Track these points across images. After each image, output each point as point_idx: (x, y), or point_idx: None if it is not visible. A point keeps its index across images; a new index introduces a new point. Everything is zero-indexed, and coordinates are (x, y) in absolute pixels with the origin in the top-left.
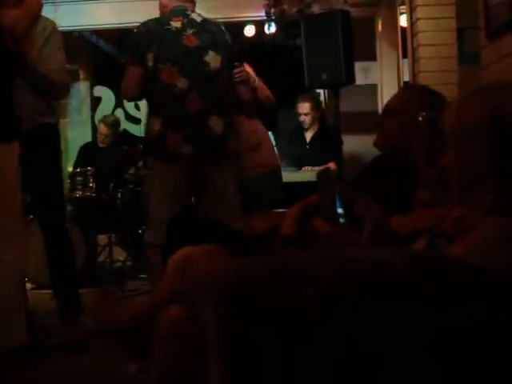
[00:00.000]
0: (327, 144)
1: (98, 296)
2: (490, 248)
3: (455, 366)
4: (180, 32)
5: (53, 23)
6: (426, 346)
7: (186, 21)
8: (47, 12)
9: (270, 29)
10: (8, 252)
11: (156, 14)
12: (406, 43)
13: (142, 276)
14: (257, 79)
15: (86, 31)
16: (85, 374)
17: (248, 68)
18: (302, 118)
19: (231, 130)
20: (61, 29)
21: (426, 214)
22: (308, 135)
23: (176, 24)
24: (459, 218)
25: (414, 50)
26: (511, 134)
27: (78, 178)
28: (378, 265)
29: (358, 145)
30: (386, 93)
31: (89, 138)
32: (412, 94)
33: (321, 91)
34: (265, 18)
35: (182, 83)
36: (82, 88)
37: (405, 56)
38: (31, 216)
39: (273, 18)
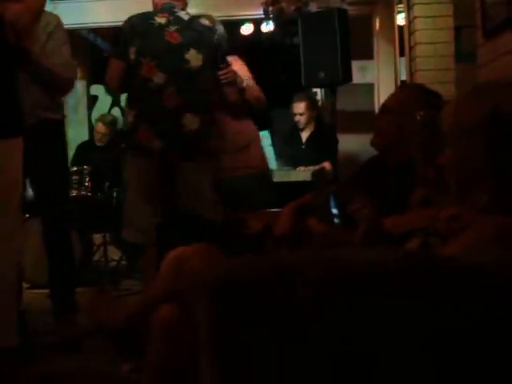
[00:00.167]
0: (323, 144)
1: (92, 295)
2: (484, 247)
3: (449, 365)
4: (163, 28)
5: (57, 18)
6: (420, 345)
7: (171, 18)
8: (46, 9)
9: (268, 27)
10: (3, 250)
11: None
12: (403, 41)
13: (137, 275)
14: (247, 80)
15: (84, 29)
16: (78, 373)
17: (241, 67)
18: (297, 117)
19: (209, 127)
20: None
21: (422, 213)
22: (304, 135)
23: (160, 20)
24: (454, 216)
25: (411, 48)
26: (509, 132)
27: (74, 177)
28: (372, 264)
29: (354, 144)
30: (383, 92)
31: (85, 137)
32: (409, 93)
33: (318, 90)
34: (263, 16)
35: (158, 78)
36: (78, 87)
37: (402, 54)
38: (27, 215)
39: (270, 16)
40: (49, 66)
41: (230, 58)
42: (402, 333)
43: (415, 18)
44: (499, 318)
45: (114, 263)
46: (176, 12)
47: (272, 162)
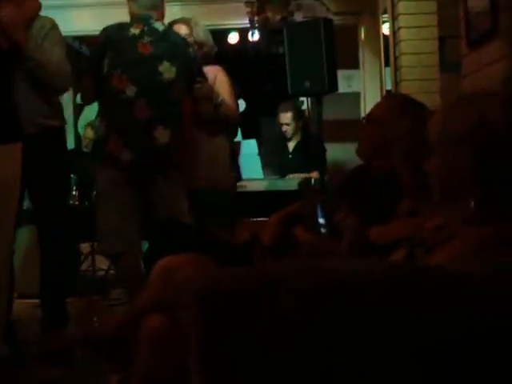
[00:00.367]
0: (310, 153)
1: (81, 305)
2: (469, 257)
3: (434, 376)
4: (137, 39)
5: (51, 21)
6: (405, 356)
7: (146, 28)
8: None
9: (254, 36)
10: None
11: None
12: (388, 52)
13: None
14: (223, 95)
15: (69, 37)
16: (65, 383)
17: (222, 80)
18: (284, 127)
19: (179, 140)
20: None
21: (407, 223)
22: (291, 144)
23: (135, 31)
24: (439, 226)
25: (396, 58)
26: (495, 142)
27: None
28: (357, 275)
29: (341, 153)
30: (369, 101)
31: (72, 145)
32: (393, 103)
33: (304, 99)
34: (248, 25)
35: (130, 90)
36: (64, 95)
37: (387, 64)
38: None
39: (256, 25)
40: (43, 62)
41: (213, 69)
42: (387, 343)
43: (400, 28)
44: (483, 329)
45: (102, 272)
46: (151, 23)
47: (258, 171)
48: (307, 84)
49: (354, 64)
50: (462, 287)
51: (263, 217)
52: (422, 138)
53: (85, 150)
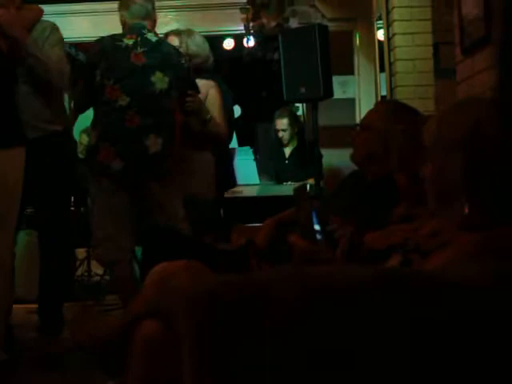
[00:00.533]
0: (306, 159)
1: (76, 311)
2: (463, 263)
3: (429, 381)
4: (130, 49)
5: (52, 24)
6: (400, 362)
7: (139, 39)
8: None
9: (249, 42)
10: None
11: None
12: (383, 57)
13: None
14: (213, 112)
15: (65, 44)
16: None
17: (215, 96)
18: (281, 133)
19: (171, 149)
20: None
21: (402, 229)
22: (287, 150)
23: (128, 41)
24: (434, 232)
25: (391, 64)
26: (489, 149)
27: None
28: (352, 282)
29: (336, 159)
30: (364, 107)
31: None
32: (385, 109)
33: (299, 105)
34: (243, 31)
35: (122, 100)
36: None
37: (382, 70)
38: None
39: (251, 31)
40: (42, 59)
41: (206, 84)
42: (381, 349)
43: (395, 34)
44: (479, 335)
45: (98, 278)
46: (144, 33)
47: (254, 177)
48: (302, 90)
49: (349, 70)
50: (457, 293)
51: (259, 222)
52: (416, 143)
53: (80, 156)
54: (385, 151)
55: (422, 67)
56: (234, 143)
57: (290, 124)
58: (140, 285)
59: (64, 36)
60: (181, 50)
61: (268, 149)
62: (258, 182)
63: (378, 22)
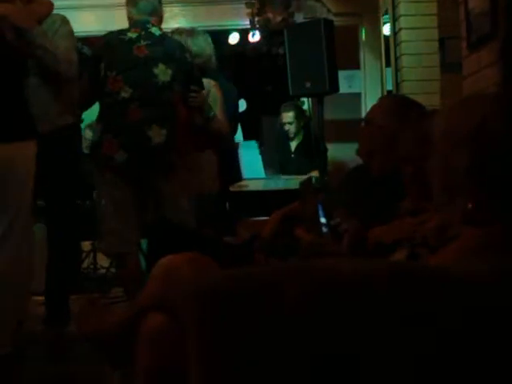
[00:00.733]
0: (312, 153)
1: (82, 303)
2: (470, 258)
3: (435, 375)
4: (133, 42)
5: (62, 17)
6: (407, 355)
7: (143, 33)
8: None
9: (254, 37)
10: (13, 256)
11: None
12: (389, 52)
13: None
14: (217, 109)
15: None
16: (67, 381)
17: (218, 95)
18: (287, 126)
19: (175, 141)
20: None
21: (408, 223)
22: (293, 144)
23: (132, 35)
24: (441, 227)
25: (396, 59)
26: (496, 144)
27: None
28: (359, 274)
29: (342, 153)
30: (370, 101)
31: None
32: (390, 104)
33: (305, 99)
34: (249, 26)
35: (125, 92)
36: None
37: (388, 65)
38: None
39: (257, 26)
40: (52, 49)
41: (207, 82)
42: (389, 343)
43: (400, 29)
44: (486, 330)
45: (103, 271)
46: (149, 28)
47: (260, 171)
48: (308, 84)
49: (354, 64)
50: (460, 288)
51: (265, 216)
52: (421, 137)
53: (85, 151)
54: (388, 146)
55: (427, 62)
56: (239, 137)
57: (296, 117)
58: (146, 277)
59: None
60: None
61: (273, 142)
62: (263, 175)
63: (384, 16)
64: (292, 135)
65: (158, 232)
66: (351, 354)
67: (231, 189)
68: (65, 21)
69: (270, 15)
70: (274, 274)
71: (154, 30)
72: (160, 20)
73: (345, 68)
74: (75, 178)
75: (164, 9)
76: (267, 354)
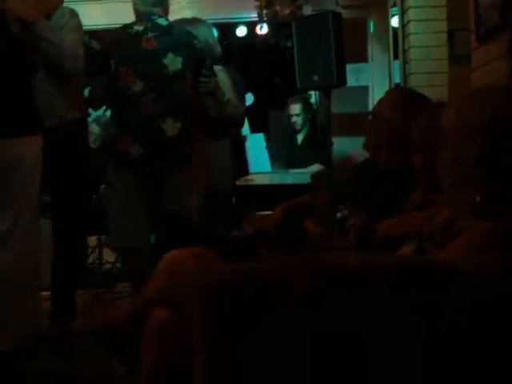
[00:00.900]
0: (318, 146)
1: (87, 299)
2: (478, 253)
3: (443, 370)
4: (140, 35)
5: (71, 10)
6: (415, 348)
7: (149, 25)
8: None
9: (262, 30)
10: (20, 251)
11: None
12: (397, 45)
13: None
14: (229, 92)
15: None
16: (73, 376)
17: (226, 79)
18: (294, 118)
19: (189, 133)
20: None
21: (416, 216)
22: (300, 137)
23: (138, 28)
24: (448, 221)
25: (405, 51)
26: (507, 135)
27: None
28: (367, 268)
29: (349, 146)
30: (378, 94)
31: None
32: (397, 97)
33: (312, 92)
34: (257, 19)
35: (137, 86)
36: None
37: (396, 58)
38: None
39: (265, 19)
40: (57, 42)
41: (214, 68)
42: (394, 337)
43: (409, 21)
44: (494, 324)
45: (109, 266)
46: (155, 19)
47: (266, 165)
48: (316, 78)
49: (362, 57)
50: (472, 282)
51: (271, 210)
52: (432, 128)
53: (92, 145)
54: (395, 139)
55: (436, 54)
56: (246, 130)
57: (304, 110)
58: (152, 272)
59: None
60: None
61: (280, 137)
62: (269, 169)
63: (393, 9)
64: (299, 127)
65: (164, 227)
66: (358, 348)
67: (237, 183)
68: (74, 14)
69: (278, 8)
70: (279, 268)
71: (161, 21)
72: (166, 11)
73: (352, 61)
74: (83, 172)
75: (171, 2)
76: (272, 348)
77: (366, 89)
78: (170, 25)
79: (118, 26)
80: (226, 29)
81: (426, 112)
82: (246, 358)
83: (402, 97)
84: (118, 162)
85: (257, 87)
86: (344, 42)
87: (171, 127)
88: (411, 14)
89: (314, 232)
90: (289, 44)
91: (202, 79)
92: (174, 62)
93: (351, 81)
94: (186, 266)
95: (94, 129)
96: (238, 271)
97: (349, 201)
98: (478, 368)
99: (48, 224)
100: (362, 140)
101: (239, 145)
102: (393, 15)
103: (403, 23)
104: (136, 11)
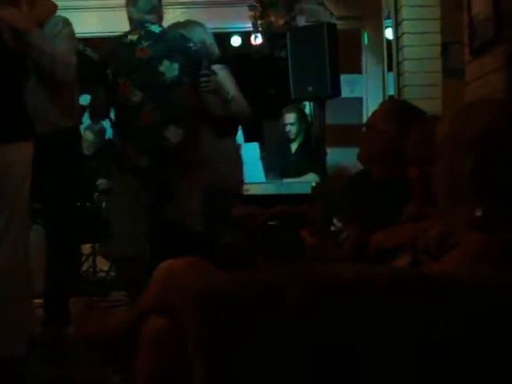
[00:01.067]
0: (312, 155)
1: (81, 307)
2: (473, 265)
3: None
4: (135, 45)
5: (64, 19)
6: (408, 359)
7: (142, 33)
8: None
9: (257, 40)
10: (11, 257)
11: None
12: (391, 57)
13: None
14: (231, 91)
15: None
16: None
17: (226, 77)
18: (288, 127)
19: (193, 139)
20: None
21: (411, 228)
22: (293, 146)
23: (132, 37)
24: (443, 234)
25: (399, 63)
26: (501, 148)
27: None
28: (361, 279)
29: (343, 157)
30: (372, 106)
31: None
32: (391, 109)
33: (307, 103)
34: (251, 29)
35: (135, 96)
36: None
37: (390, 69)
38: None
39: (259, 29)
40: (49, 51)
41: (214, 66)
42: (389, 346)
43: (403, 33)
44: (488, 337)
45: (103, 274)
46: (148, 27)
47: (260, 175)
48: (310, 88)
49: (356, 69)
50: (466, 293)
51: None
52: (427, 140)
53: (86, 152)
54: (389, 151)
55: (430, 67)
56: (240, 139)
57: (298, 119)
58: (148, 281)
59: None
60: None
61: (275, 146)
62: (263, 179)
63: (387, 20)
64: (293, 136)
65: (160, 235)
66: (352, 356)
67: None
68: (67, 23)
69: (273, 18)
70: (275, 276)
71: (154, 28)
72: (160, 18)
73: (347, 72)
74: (75, 179)
75: (166, 11)
76: (267, 356)
77: (359, 100)
78: (164, 31)
79: (113, 33)
80: (221, 38)
81: (420, 125)
82: (241, 365)
83: (397, 109)
84: (126, 170)
85: (251, 97)
86: (338, 53)
87: (174, 134)
88: (405, 27)
89: (309, 243)
90: (283, 54)
91: (202, 79)
92: (170, 69)
93: (345, 92)
94: (180, 276)
95: (88, 136)
96: (233, 280)
97: (343, 212)
98: (471, 379)
99: (40, 231)
100: (355, 151)
101: None
102: (387, 27)
103: (397, 35)
104: (130, 19)
